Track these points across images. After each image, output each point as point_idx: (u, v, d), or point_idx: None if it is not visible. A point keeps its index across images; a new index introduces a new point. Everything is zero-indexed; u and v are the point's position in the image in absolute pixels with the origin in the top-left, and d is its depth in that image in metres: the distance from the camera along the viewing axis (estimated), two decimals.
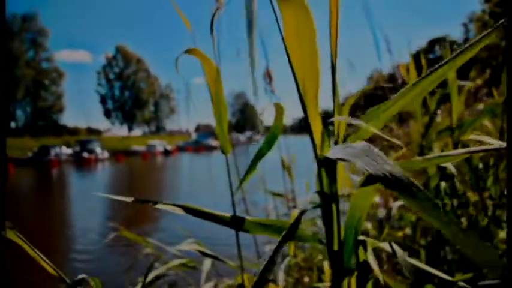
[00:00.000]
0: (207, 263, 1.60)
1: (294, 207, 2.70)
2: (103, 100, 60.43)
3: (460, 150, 0.47)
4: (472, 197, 1.69)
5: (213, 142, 42.27)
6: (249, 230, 0.62)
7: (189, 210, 0.64)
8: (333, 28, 0.51)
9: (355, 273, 0.61)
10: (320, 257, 2.07)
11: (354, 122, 0.39)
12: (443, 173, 1.52)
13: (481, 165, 2.02)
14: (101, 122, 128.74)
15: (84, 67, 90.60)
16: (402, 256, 0.53)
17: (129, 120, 61.78)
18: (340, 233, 0.58)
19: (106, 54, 60.86)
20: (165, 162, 30.12)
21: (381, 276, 0.52)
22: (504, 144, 0.45)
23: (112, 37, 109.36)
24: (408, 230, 1.92)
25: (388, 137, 0.39)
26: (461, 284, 0.58)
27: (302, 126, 0.62)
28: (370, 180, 0.48)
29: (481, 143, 0.87)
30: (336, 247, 0.61)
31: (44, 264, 0.70)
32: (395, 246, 0.55)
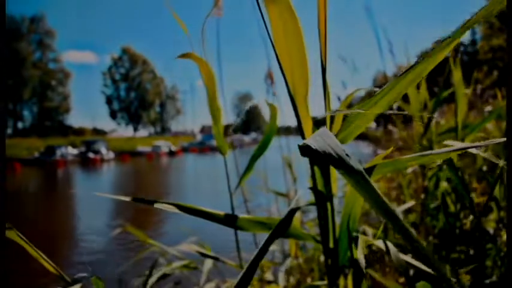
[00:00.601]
0: (208, 263, 1.62)
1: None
2: (109, 101, 60.81)
3: (441, 150, 0.47)
4: (476, 199, 1.68)
5: None
6: (244, 227, 0.63)
7: (185, 209, 0.65)
8: (321, 24, 0.51)
9: (352, 271, 0.61)
10: (322, 258, 2.07)
11: (339, 112, 0.39)
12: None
13: (485, 168, 2.01)
14: (106, 123, 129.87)
15: (90, 68, 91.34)
16: (394, 253, 0.53)
17: (135, 121, 62.11)
18: (335, 230, 0.58)
19: (112, 55, 61.33)
20: (169, 163, 30.23)
21: (374, 274, 0.52)
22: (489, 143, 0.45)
23: (118, 38, 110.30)
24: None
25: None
26: (461, 281, 0.57)
27: None
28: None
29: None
30: (331, 245, 0.61)
31: (45, 264, 0.71)
32: (389, 244, 0.56)
